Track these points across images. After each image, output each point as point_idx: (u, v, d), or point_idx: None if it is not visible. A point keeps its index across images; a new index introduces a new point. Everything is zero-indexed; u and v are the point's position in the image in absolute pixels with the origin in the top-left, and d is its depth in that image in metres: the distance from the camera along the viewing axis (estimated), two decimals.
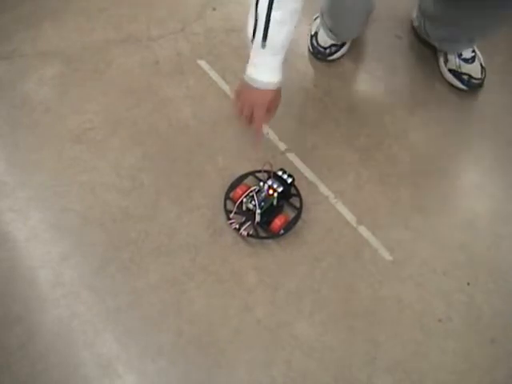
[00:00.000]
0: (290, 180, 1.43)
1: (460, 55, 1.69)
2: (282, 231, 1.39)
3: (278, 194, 1.40)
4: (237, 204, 1.40)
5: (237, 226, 1.38)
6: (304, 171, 1.55)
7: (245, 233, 1.37)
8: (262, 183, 1.42)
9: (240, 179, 1.47)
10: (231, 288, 1.34)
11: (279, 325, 1.29)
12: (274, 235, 1.39)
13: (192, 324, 1.28)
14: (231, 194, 1.43)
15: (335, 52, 1.75)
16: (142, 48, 1.77)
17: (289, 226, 1.40)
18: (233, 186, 1.45)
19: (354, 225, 1.46)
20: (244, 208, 1.40)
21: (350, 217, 1.48)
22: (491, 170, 1.58)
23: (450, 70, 1.71)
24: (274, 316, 1.30)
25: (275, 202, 1.41)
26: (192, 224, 1.43)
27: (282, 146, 1.59)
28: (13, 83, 1.66)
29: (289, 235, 1.41)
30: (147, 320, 1.28)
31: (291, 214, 1.44)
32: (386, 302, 1.33)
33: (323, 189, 1.53)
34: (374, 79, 1.79)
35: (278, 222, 1.38)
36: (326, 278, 1.37)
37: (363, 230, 1.45)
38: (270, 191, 1.40)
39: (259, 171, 1.48)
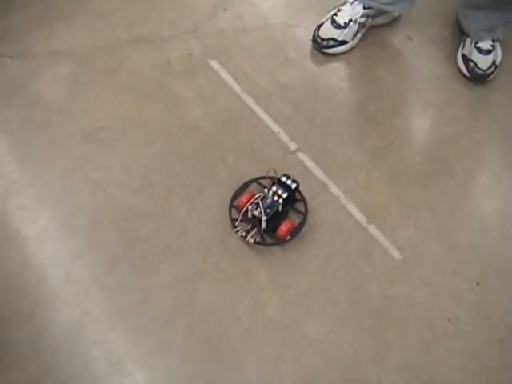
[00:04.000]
0: (294, 185, 1.42)
1: (476, 43, 1.73)
2: (288, 237, 1.38)
3: (283, 199, 1.39)
4: (242, 212, 1.39)
5: (243, 234, 1.38)
6: (314, 171, 1.55)
7: (251, 240, 1.37)
8: (266, 190, 1.41)
9: (244, 187, 1.47)
10: (242, 287, 1.33)
11: (289, 324, 1.28)
12: (281, 241, 1.38)
13: (202, 322, 1.27)
14: (235, 202, 1.43)
15: (332, 47, 1.77)
16: (153, 48, 1.77)
17: (295, 232, 1.40)
18: (237, 195, 1.45)
19: (364, 224, 1.46)
20: (249, 215, 1.39)
21: (360, 216, 1.47)
22: (501, 171, 1.58)
23: (462, 55, 1.74)
24: (284, 315, 1.29)
25: (280, 208, 1.40)
26: (202, 223, 1.43)
27: (293, 146, 1.60)
28: (25, 82, 1.66)
29: (299, 234, 1.41)
30: (157, 318, 1.28)
31: (297, 220, 1.43)
32: (395, 301, 1.33)
33: (334, 188, 1.53)
34: (385, 80, 1.79)
35: (284, 228, 1.37)
36: (335, 278, 1.37)
37: (373, 230, 1.45)
38: (275, 197, 1.40)
39: (263, 178, 1.47)
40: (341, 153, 1.58)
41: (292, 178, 1.43)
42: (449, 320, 1.31)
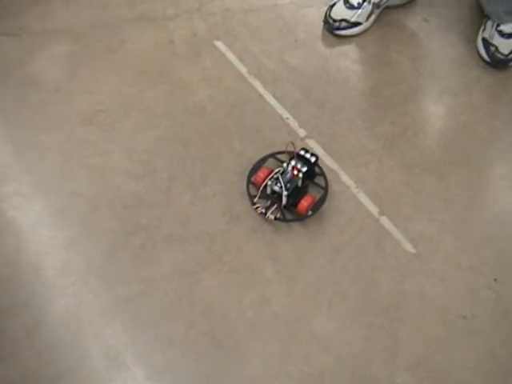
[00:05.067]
0: (313, 159, 1.43)
1: (498, 26, 1.71)
2: (309, 212, 1.40)
3: (303, 174, 1.41)
4: (261, 188, 1.41)
5: (263, 211, 1.39)
6: (325, 159, 1.54)
7: (272, 216, 1.38)
8: (285, 164, 1.42)
9: (260, 162, 1.48)
10: (247, 279, 1.33)
11: (296, 318, 1.27)
12: (302, 217, 1.40)
13: (205, 315, 1.26)
14: (253, 178, 1.44)
15: (344, 28, 1.76)
16: (156, 27, 1.75)
17: (316, 207, 1.41)
18: (254, 170, 1.46)
19: (376, 216, 1.45)
20: (268, 191, 1.41)
21: (372, 207, 1.47)
22: None
23: (483, 38, 1.72)
24: (290, 309, 1.29)
25: (300, 183, 1.41)
26: (206, 211, 1.42)
27: (302, 133, 1.59)
28: (21, 61, 1.63)
29: (308, 225, 1.41)
30: (158, 310, 1.27)
31: (317, 195, 1.44)
32: (408, 296, 1.32)
33: (344, 178, 1.52)
34: (400, 64, 1.77)
35: (304, 203, 1.38)
36: (345, 271, 1.36)
37: (385, 222, 1.44)
38: (295, 172, 1.41)
39: (282, 152, 1.48)
40: (352, 140, 1.57)
41: (311, 151, 1.44)
42: (464, 317, 1.30)
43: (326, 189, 1.44)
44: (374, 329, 1.27)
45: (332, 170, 1.52)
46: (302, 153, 1.44)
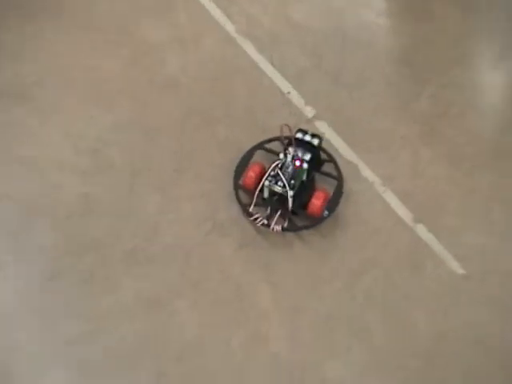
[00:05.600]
0: (316, 141, 1.42)
1: None
2: (325, 213, 1.39)
3: (308, 163, 1.40)
4: (257, 192, 1.39)
5: (265, 222, 1.38)
6: (339, 147, 1.53)
7: (278, 228, 1.38)
8: (282, 155, 1.40)
9: (246, 158, 1.47)
10: (236, 311, 1.31)
11: (302, 363, 1.26)
12: (317, 220, 1.39)
13: (180, 361, 1.25)
14: (241, 181, 1.43)
15: None
16: None
17: (333, 204, 1.40)
18: (239, 170, 1.45)
19: (410, 223, 1.44)
20: (265, 194, 1.40)
21: (404, 212, 1.45)
22: None
23: None
24: (295, 352, 1.27)
25: (305, 177, 1.40)
26: (181, 220, 1.41)
27: (309, 112, 1.58)
28: None
29: (315, 237, 1.40)
30: (115, 354, 1.25)
31: (329, 188, 1.43)
32: (453, 333, 1.30)
33: (367, 172, 1.51)
34: (444, 18, 1.75)
35: (317, 202, 1.38)
36: (369, 299, 1.34)
37: (423, 232, 1.43)
38: (297, 162, 1.39)
39: (275, 139, 1.48)
40: (377, 123, 1.56)
41: (310, 131, 1.43)
42: None
43: (339, 178, 1.43)
44: (407, 378, 1.26)
45: (350, 162, 1.51)
46: (300, 135, 1.43)
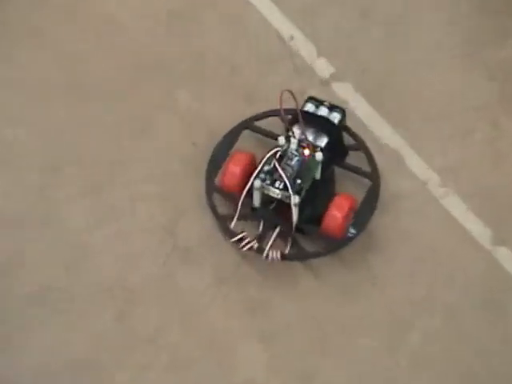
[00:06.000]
0: (336, 117, 1.22)
1: None
2: (351, 231, 1.19)
3: (323, 151, 1.19)
4: (242, 197, 1.18)
5: (255, 245, 1.16)
6: (373, 125, 1.32)
7: (276, 255, 1.15)
8: (281, 139, 1.18)
9: (226, 143, 1.27)
10: (209, 381, 1.14)
11: None
12: (338, 243, 1.19)
13: None
14: (218, 181, 1.24)
15: None
16: None
17: (363, 217, 1.21)
18: (215, 163, 1.26)
19: (487, 245, 1.23)
20: (256, 202, 1.19)
21: (478, 228, 1.24)
22: None
23: None
24: None
25: (319, 174, 1.19)
26: (122, 242, 1.21)
27: (325, 69, 1.37)
28: None
29: (335, 267, 1.19)
30: None
31: (358, 191, 1.22)
32: None
33: (417, 165, 1.30)
34: None
35: (337, 215, 1.16)
36: (419, 365, 1.13)
37: (506, 258, 1.22)
38: (306, 151, 1.18)
39: (271, 114, 1.27)
40: (432, 84, 1.38)
41: (327, 101, 1.24)
42: None
43: (373, 175, 1.25)
44: None
45: (390, 149, 1.30)
46: (311, 107, 1.24)
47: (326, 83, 1.37)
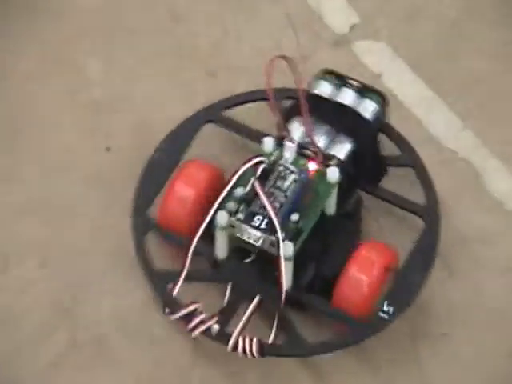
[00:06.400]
0: (372, 109, 0.88)
1: None
2: (385, 309, 0.84)
3: (341, 168, 0.84)
4: (194, 242, 0.81)
5: (215, 329, 0.80)
6: (428, 119, 0.97)
7: (252, 347, 0.79)
8: (270, 140, 0.84)
9: (175, 145, 0.95)
10: None
11: None
12: (359, 331, 0.82)
13: None
14: (158, 213, 0.90)
15: None
16: None
17: (409, 285, 0.86)
18: (153, 181, 0.92)
19: None
20: (220, 252, 0.85)
21: None
22: None
23: None
24: None
25: (333, 207, 0.86)
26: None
27: (344, 19, 1.05)
28: None
29: (354, 367, 0.81)
30: None
31: (402, 237, 0.88)
32: None
33: (509, 188, 0.97)
34: None
35: (361, 277, 0.82)
36: None
37: None
38: (312, 165, 0.84)
39: (252, 99, 0.93)
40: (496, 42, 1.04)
41: (357, 80, 0.90)
42: None
43: (432, 209, 0.89)
44: None
45: (466, 163, 0.97)
46: (326, 89, 0.91)
47: (344, 43, 1.03)
